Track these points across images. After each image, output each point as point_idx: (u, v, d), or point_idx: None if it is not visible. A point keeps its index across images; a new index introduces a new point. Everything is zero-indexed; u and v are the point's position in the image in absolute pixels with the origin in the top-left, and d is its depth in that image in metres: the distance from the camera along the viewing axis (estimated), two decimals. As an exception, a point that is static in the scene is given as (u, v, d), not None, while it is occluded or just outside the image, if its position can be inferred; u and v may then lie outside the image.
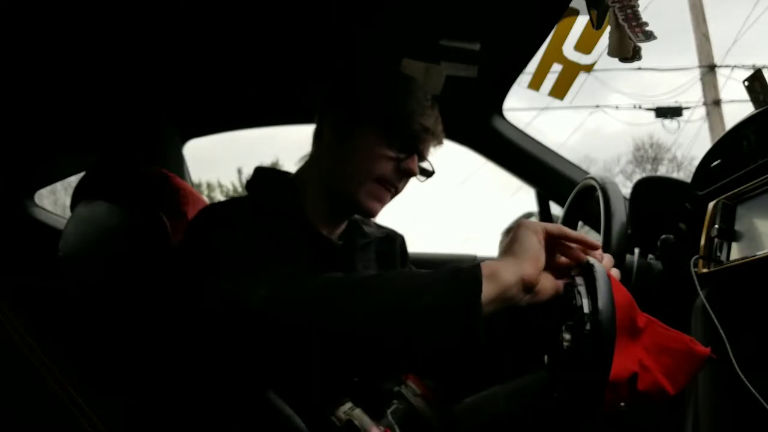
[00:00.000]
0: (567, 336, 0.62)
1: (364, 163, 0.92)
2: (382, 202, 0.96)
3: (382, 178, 0.93)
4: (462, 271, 0.64)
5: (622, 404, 0.65)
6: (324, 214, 0.96)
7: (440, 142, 1.01)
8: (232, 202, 0.90)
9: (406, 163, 0.94)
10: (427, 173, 1.02)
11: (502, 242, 1.15)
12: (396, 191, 0.98)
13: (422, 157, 0.98)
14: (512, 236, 0.70)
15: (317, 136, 0.99)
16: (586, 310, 0.61)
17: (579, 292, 0.63)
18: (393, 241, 1.10)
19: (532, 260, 0.66)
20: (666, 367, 0.65)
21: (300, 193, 0.95)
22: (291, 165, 1.04)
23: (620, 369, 0.62)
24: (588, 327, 0.60)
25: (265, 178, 0.98)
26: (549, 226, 0.71)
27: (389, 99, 0.94)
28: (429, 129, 0.95)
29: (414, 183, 1.01)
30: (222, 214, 0.85)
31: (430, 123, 0.95)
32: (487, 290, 0.62)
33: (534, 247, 0.67)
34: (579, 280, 0.65)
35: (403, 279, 0.68)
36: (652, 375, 0.64)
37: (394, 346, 0.63)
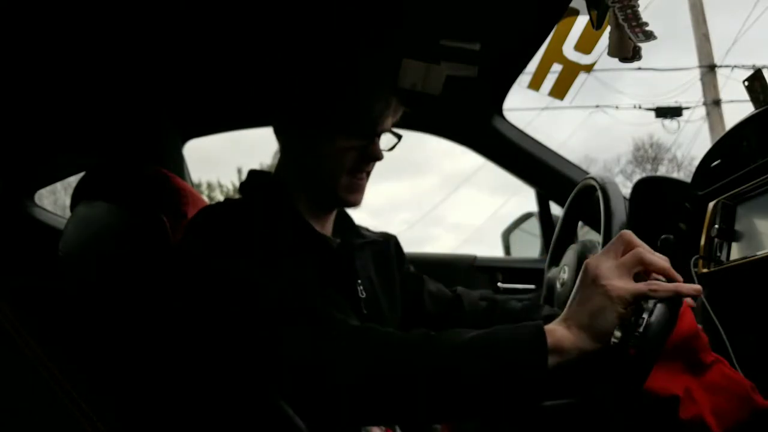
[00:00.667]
0: (618, 333, 0.64)
1: (330, 160, 0.92)
2: (360, 190, 0.96)
3: (352, 170, 0.93)
4: (526, 343, 0.65)
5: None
6: (311, 209, 0.96)
7: (398, 114, 0.98)
8: (229, 209, 0.89)
9: (370, 149, 0.93)
10: (394, 142, 1.00)
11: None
12: (368, 174, 0.97)
13: (384, 133, 0.97)
14: (590, 293, 0.67)
15: (278, 135, 0.99)
16: (645, 316, 0.63)
17: (646, 307, 0.64)
18: (387, 242, 1.09)
19: (601, 335, 0.65)
20: (719, 407, 0.66)
21: (288, 191, 0.95)
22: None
23: (659, 384, 0.63)
24: (641, 329, 0.62)
25: (257, 180, 0.99)
26: (639, 262, 0.68)
27: (337, 94, 0.92)
28: (383, 109, 0.93)
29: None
30: (222, 229, 0.83)
31: (383, 102, 0.93)
32: (550, 361, 0.64)
33: (609, 321, 0.65)
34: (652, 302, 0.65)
35: (470, 346, 0.68)
36: (700, 408, 0.64)
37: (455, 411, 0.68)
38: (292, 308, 0.73)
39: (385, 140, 0.98)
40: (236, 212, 0.87)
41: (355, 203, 0.96)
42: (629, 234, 0.70)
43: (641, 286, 0.65)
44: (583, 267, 0.69)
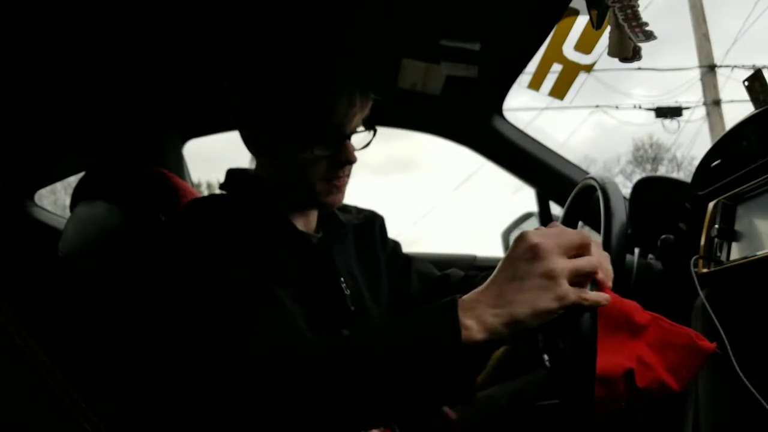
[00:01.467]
0: (546, 357, 0.63)
1: (302, 169, 0.88)
2: (340, 191, 0.92)
3: (327, 177, 0.89)
4: (434, 326, 0.60)
5: (623, 404, 0.65)
6: (291, 207, 0.94)
7: (365, 111, 0.91)
8: (210, 203, 0.88)
9: (341, 155, 0.88)
10: (369, 138, 0.94)
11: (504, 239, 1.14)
12: (347, 176, 0.93)
13: (355, 131, 0.91)
14: (508, 258, 0.63)
15: (247, 144, 0.95)
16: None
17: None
18: (371, 225, 1.07)
19: (529, 301, 0.59)
20: (670, 362, 0.66)
21: (268, 190, 0.93)
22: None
23: (610, 366, 0.63)
24: (567, 350, 0.62)
25: (237, 179, 0.97)
26: (566, 242, 0.63)
27: (297, 104, 0.86)
28: (347, 110, 0.87)
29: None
30: (199, 223, 0.82)
31: (346, 103, 0.86)
32: (470, 335, 0.58)
33: (535, 283, 0.60)
34: None
35: (384, 341, 0.62)
36: (654, 371, 0.65)
37: (379, 407, 0.62)
38: (240, 305, 0.71)
39: (359, 138, 0.93)
40: (216, 207, 0.86)
41: (335, 204, 0.93)
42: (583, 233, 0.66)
43: (584, 261, 0.62)
44: (518, 237, 0.64)
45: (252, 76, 0.90)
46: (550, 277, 0.60)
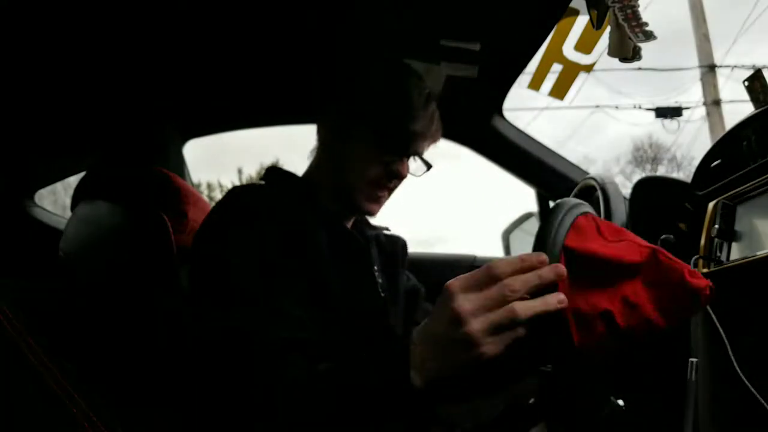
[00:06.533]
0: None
1: (356, 167, 0.93)
2: (379, 202, 0.97)
3: (374, 181, 0.94)
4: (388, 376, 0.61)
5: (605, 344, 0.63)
6: (335, 209, 0.97)
7: (435, 141, 1.00)
8: (255, 194, 0.89)
9: (395, 166, 0.94)
10: (423, 169, 1.01)
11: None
12: (391, 191, 0.98)
13: (416, 156, 0.98)
14: (432, 319, 0.61)
15: (317, 136, 1.01)
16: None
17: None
18: (395, 243, 1.11)
19: (456, 363, 0.58)
20: (663, 301, 0.63)
21: (314, 188, 0.97)
22: (290, 165, 1.05)
23: (584, 305, 0.62)
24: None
25: (280, 175, 1.00)
26: (465, 283, 0.60)
27: (376, 103, 0.93)
28: (420, 132, 0.94)
29: (413, 181, 1.01)
30: (243, 217, 0.83)
31: (421, 125, 0.94)
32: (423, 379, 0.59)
33: (448, 336, 0.58)
34: None
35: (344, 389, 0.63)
36: (641, 311, 0.62)
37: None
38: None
39: (416, 165, 0.99)
40: (259, 211, 0.85)
41: (371, 213, 0.98)
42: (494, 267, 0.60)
43: (498, 315, 0.58)
44: (442, 293, 0.61)
45: (345, 69, 1.00)
46: (469, 342, 0.58)
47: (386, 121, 0.92)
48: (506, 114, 1.61)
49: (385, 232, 1.11)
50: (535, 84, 1.33)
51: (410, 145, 0.94)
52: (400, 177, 0.95)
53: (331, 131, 0.98)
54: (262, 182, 0.98)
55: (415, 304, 1.11)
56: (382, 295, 0.96)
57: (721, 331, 0.86)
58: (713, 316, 0.88)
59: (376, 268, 0.98)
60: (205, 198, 1.27)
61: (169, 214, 1.02)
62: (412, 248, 1.17)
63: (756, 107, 1.06)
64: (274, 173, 1.00)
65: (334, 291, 0.84)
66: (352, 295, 0.88)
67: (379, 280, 0.97)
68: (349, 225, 1.02)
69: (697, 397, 0.90)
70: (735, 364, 0.84)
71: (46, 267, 1.10)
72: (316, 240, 0.85)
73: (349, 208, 0.98)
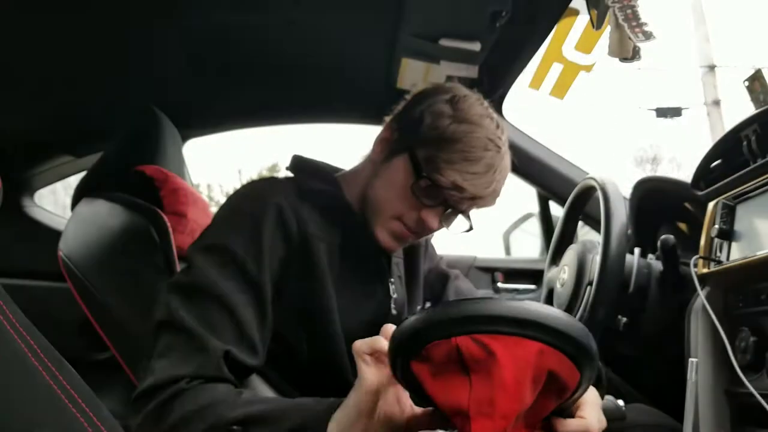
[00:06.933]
0: None
1: (387, 193, 0.85)
2: (398, 240, 0.88)
3: (400, 218, 0.86)
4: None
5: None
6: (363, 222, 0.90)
7: (486, 205, 0.88)
8: (269, 190, 0.85)
9: (425, 212, 0.84)
10: (462, 229, 0.91)
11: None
12: (417, 236, 0.89)
13: (454, 212, 0.87)
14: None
15: (378, 142, 0.91)
16: None
17: None
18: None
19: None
20: None
21: (343, 188, 0.91)
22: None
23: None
24: None
25: (308, 165, 0.94)
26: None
27: (433, 138, 0.82)
28: (466, 190, 0.82)
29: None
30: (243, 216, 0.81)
31: (471, 186, 0.82)
32: None
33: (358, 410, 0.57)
34: None
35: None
36: None
37: None
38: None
39: (457, 223, 0.90)
40: (271, 192, 0.83)
41: (386, 247, 0.88)
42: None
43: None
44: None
45: (432, 98, 0.86)
46: None
47: (434, 161, 0.82)
48: (506, 114, 1.61)
49: None
50: (535, 84, 1.34)
51: (449, 198, 0.84)
52: (428, 228, 0.86)
53: (381, 148, 0.89)
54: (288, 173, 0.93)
55: (440, 287, 1.10)
56: (394, 312, 0.91)
57: (721, 331, 0.86)
58: (713, 316, 0.88)
59: (392, 280, 0.93)
60: (205, 198, 1.27)
61: (169, 214, 1.02)
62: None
63: (756, 107, 1.06)
64: (299, 163, 0.93)
65: (333, 304, 0.82)
66: (357, 307, 0.85)
67: (394, 295, 0.92)
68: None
69: (697, 397, 0.90)
70: (735, 364, 0.84)
71: (46, 267, 1.10)
72: (318, 248, 0.82)
73: (367, 230, 0.89)
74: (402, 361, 0.53)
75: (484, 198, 0.85)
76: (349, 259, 0.86)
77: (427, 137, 0.83)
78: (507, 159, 0.88)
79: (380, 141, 0.90)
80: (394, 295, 0.92)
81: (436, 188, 0.83)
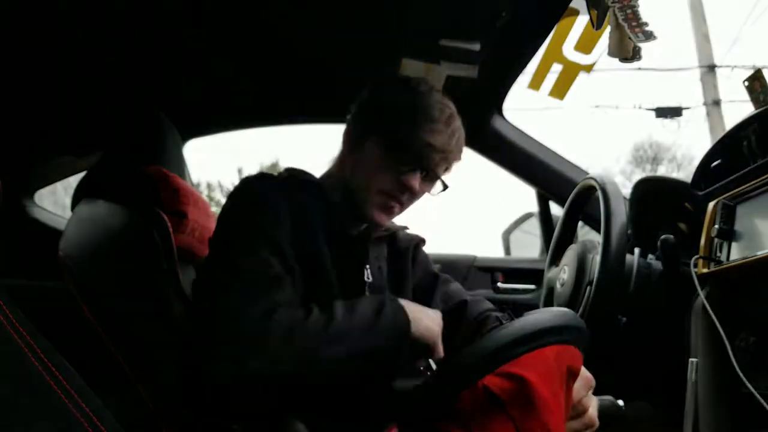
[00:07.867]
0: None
1: (367, 174, 0.94)
2: (389, 213, 0.97)
3: (384, 192, 0.94)
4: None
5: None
6: (345, 215, 0.98)
7: (455, 160, 0.99)
8: (265, 182, 0.94)
9: (407, 178, 0.93)
10: (439, 188, 1.00)
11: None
12: (402, 205, 0.97)
13: (430, 174, 0.96)
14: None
15: (346, 134, 1.02)
16: None
17: None
18: (410, 241, 1.11)
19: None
20: None
21: (326, 192, 0.98)
22: (291, 165, 1.05)
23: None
24: None
25: (295, 171, 1.02)
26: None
27: (392, 113, 0.94)
28: (436, 146, 0.93)
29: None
30: (248, 195, 0.91)
31: (439, 141, 0.93)
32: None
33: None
34: None
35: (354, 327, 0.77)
36: None
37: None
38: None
39: (433, 184, 0.99)
40: (266, 184, 0.92)
41: (380, 222, 0.97)
42: None
43: None
44: None
45: (379, 85, 1.00)
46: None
47: (400, 131, 0.92)
48: (506, 114, 1.61)
49: (406, 231, 1.11)
50: (535, 84, 1.33)
51: (422, 158, 0.93)
52: (411, 191, 0.95)
53: (350, 138, 1.00)
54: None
55: (428, 290, 1.12)
56: (367, 293, 0.96)
57: (721, 331, 0.86)
58: (713, 316, 0.88)
59: (368, 267, 0.99)
60: (205, 198, 1.27)
61: (169, 214, 1.02)
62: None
63: (756, 107, 1.06)
64: (290, 170, 1.03)
65: (327, 280, 0.88)
66: (339, 287, 0.90)
67: (368, 279, 0.98)
68: (362, 228, 1.02)
69: (697, 397, 0.90)
70: (735, 364, 0.84)
71: (46, 267, 1.10)
72: (315, 232, 0.89)
73: (357, 214, 0.98)
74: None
75: (452, 152, 0.96)
76: (333, 246, 0.92)
77: (390, 114, 0.94)
78: (458, 117, 0.98)
79: (347, 134, 1.00)
80: (369, 280, 0.98)
81: (410, 153, 0.92)
